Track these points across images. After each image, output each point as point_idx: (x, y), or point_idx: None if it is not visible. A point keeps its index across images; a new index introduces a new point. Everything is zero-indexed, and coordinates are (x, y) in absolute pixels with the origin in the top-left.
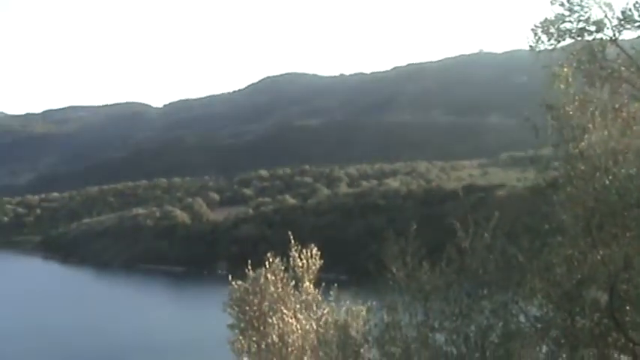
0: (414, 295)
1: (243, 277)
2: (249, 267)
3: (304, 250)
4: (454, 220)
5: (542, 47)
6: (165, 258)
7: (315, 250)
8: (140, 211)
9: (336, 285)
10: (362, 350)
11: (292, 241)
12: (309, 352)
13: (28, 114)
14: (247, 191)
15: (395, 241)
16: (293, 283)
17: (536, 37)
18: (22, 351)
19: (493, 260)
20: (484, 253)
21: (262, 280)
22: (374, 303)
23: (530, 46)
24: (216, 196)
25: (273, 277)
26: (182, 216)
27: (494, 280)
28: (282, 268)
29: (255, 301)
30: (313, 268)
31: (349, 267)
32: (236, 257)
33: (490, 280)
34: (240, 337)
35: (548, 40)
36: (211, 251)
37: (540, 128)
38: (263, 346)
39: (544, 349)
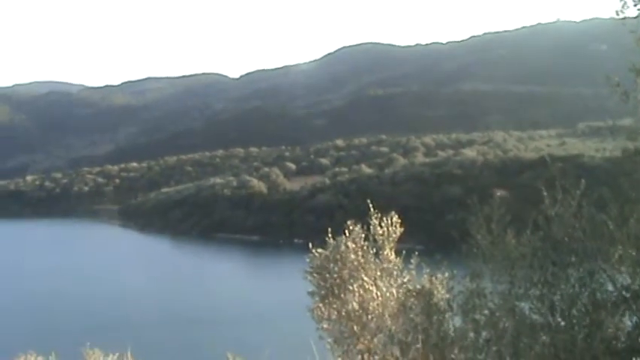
0: (499, 262)
1: (321, 245)
2: (330, 235)
3: (384, 218)
4: (540, 186)
5: (628, 14)
6: (242, 227)
7: (395, 218)
8: (217, 180)
9: (416, 253)
10: (446, 317)
11: (372, 209)
12: (389, 319)
13: (107, 86)
14: (323, 161)
15: (479, 208)
16: (373, 251)
17: (622, 2)
18: (103, 312)
19: (580, 228)
20: (571, 221)
21: (343, 247)
22: (454, 271)
23: (616, 12)
24: (292, 166)
25: (354, 245)
26: (259, 185)
27: (581, 248)
28: (363, 236)
29: (336, 268)
30: (394, 236)
31: (425, 237)
32: (312, 226)
33: (577, 248)
34: (320, 305)
35: (635, 5)
36: (287, 220)
37: (630, 94)
38: (343, 313)
39: (633, 318)
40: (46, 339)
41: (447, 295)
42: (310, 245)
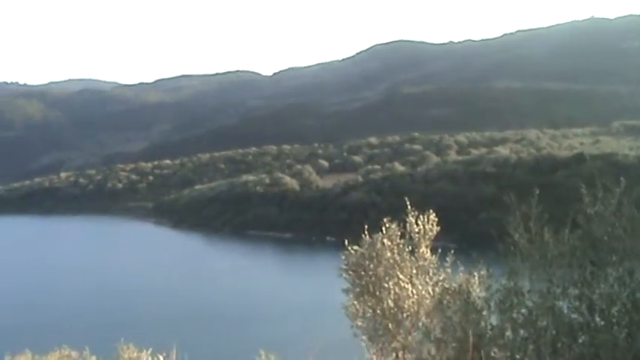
0: (537, 261)
1: (355, 243)
2: (365, 232)
3: (421, 216)
4: (579, 184)
5: None
6: (274, 224)
7: (432, 216)
8: (250, 177)
9: (452, 251)
10: (483, 315)
11: (408, 207)
12: (424, 317)
13: (141, 83)
14: (356, 158)
15: (517, 207)
16: (409, 248)
17: None
18: (137, 308)
19: (621, 226)
20: (611, 219)
21: (378, 245)
22: (490, 270)
23: None
24: (325, 164)
25: (390, 243)
26: (291, 183)
27: (621, 246)
28: (399, 233)
29: (371, 266)
30: (430, 233)
31: (458, 235)
32: (344, 224)
33: (617, 246)
34: (355, 302)
35: None
36: (320, 218)
37: None
38: (378, 310)
39: None
40: (80, 334)
41: (484, 294)
42: (346, 242)
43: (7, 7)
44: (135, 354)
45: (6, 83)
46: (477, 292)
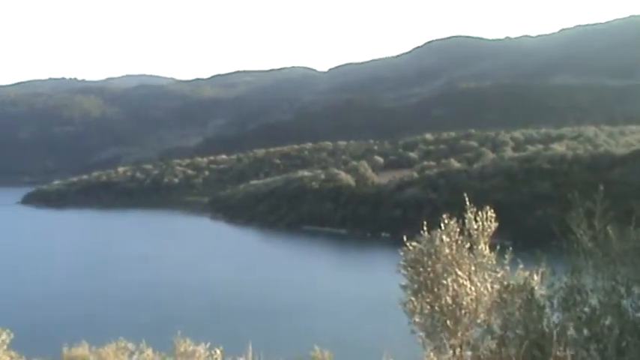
0: (601, 259)
1: (409, 239)
2: (424, 229)
3: (479, 212)
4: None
5: None
6: (329, 220)
7: (490, 213)
8: (305, 173)
9: (510, 248)
10: (546, 313)
11: (467, 203)
12: (482, 314)
13: (196, 79)
14: (412, 155)
15: (581, 203)
16: (468, 245)
17: None
18: (193, 302)
19: None
20: None
21: (437, 241)
22: (547, 268)
23: None
24: (380, 160)
25: (448, 239)
26: (347, 178)
27: None
28: (457, 230)
29: (430, 262)
30: (488, 230)
31: (513, 232)
32: (399, 220)
33: None
34: (413, 298)
35: None
36: (375, 214)
37: None
38: (436, 307)
39: None
40: (137, 327)
41: (547, 291)
42: (404, 238)
43: (67, 4)
44: (191, 347)
45: (64, 79)
46: (539, 289)
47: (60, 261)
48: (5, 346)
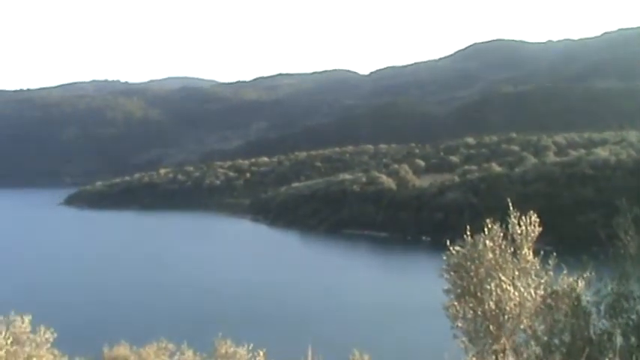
0: None
1: (451, 243)
2: (467, 233)
3: (523, 217)
4: None
5: None
6: (370, 223)
7: (534, 217)
8: (347, 176)
9: (554, 254)
10: (592, 319)
11: (510, 208)
12: (526, 320)
13: (238, 81)
14: (453, 158)
15: (629, 209)
16: (511, 250)
17: None
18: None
19: None
20: None
21: (481, 246)
22: (592, 273)
23: None
24: (421, 163)
25: (492, 244)
26: (388, 182)
27: None
28: (501, 234)
29: (473, 267)
30: (532, 235)
31: (555, 237)
32: (440, 224)
33: None
34: (456, 303)
35: None
36: (416, 217)
37: None
38: (479, 312)
39: None
40: (177, 327)
41: (593, 297)
42: (447, 243)
43: (111, 7)
44: (232, 349)
45: (107, 81)
46: (585, 295)
47: (101, 262)
48: (49, 345)
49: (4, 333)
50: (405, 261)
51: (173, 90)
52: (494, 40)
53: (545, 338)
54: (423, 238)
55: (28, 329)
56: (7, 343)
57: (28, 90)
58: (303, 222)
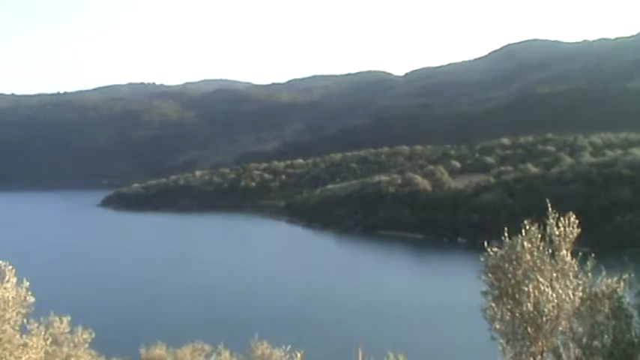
0: None
1: (487, 245)
2: (505, 234)
3: (561, 218)
4: None
5: None
6: (406, 225)
7: (573, 218)
8: (382, 177)
9: (593, 255)
10: (633, 321)
11: (549, 209)
12: (564, 322)
13: (273, 83)
14: (488, 159)
15: None
16: (549, 251)
17: None
18: (270, 306)
19: None
20: None
21: (518, 247)
22: (632, 275)
23: None
24: (457, 164)
25: (530, 245)
26: (423, 183)
27: None
28: (539, 236)
29: (511, 268)
30: (571, 236)
31: (592, 239)
32: (476, 225)
33: None
34: (493, 305)
35: None
36: (451, 219)
37: None
38: (517, 314)
39: None
40: (213, 329)
41: (635, 299)
42: (485, 244)
43: (145, 11)
44: (268, 350)
45: (143, 84)
46: (626, 297)
47: (140, 263)
48: (86, 345)
49: (43, 333)
50: (441, 263)
51: (208, 92)
52: (528, 40)
53: (585, 340)
54: (459, 239)
55: (67, 330)
56: (46, 344)
57: (66, 93)
58: (338, 223)
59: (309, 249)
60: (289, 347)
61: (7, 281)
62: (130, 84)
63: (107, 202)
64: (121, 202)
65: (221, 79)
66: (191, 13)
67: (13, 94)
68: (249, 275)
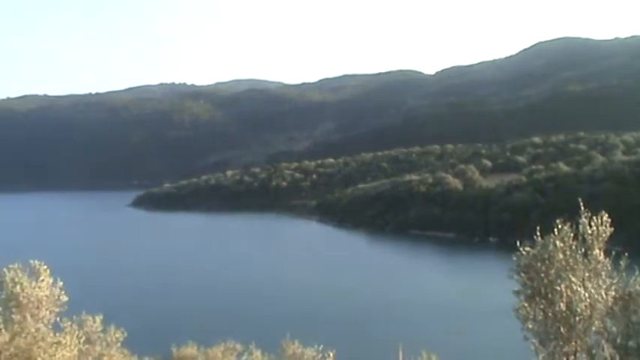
0: None
1: (521, 244)
2: (537, 233)
3: (593, 217)
4: None
5: None
6: (437, 224)
7: (605, 217)
8: (413, 177)
9: (626, 254)
10: None
11: (582, 208)
12: (597, 322)
13: (304, 83)
14: (520, 158)
15: None
16: (582, 250)
17: None
18: (301, 305)
19: None
20: None
21: (551, 246)
22: None
23: None
24: (488, 163)
25: (562, 244)
26: (454, 182)
27: None
28: (572, 235)
29: (543, 268)
30: (603, 236)
31: (624, 238)
32: (508, 224)
33: None
34: (526, 304)
35: None
36: (483, 218)
37: None
38: (550, 314)
39: None
40: (244, 327)
41: None
42: (517, 243)
43: (176, 11)
44: (299, 350)
45: (175, 84)
46: None
47: (171, 262)
48: (119, 344)
49: (76, 332)
50: (472, 262)
51: (239, 92)
52: (559, 38)
53: (619, 340)
54: (490, 238)
55: (100, 329)
56: (79, 342)
57: (97, 93)
58: (369, 223)
59: (340, 249)
60: (321, 347)
61: (42, 280)
62: (161, 84)
63: (138, 203)
64: (151, 202)
65: (252, 79)
66: (221, 13)
67: (46, 95)
68: (280, 275)
